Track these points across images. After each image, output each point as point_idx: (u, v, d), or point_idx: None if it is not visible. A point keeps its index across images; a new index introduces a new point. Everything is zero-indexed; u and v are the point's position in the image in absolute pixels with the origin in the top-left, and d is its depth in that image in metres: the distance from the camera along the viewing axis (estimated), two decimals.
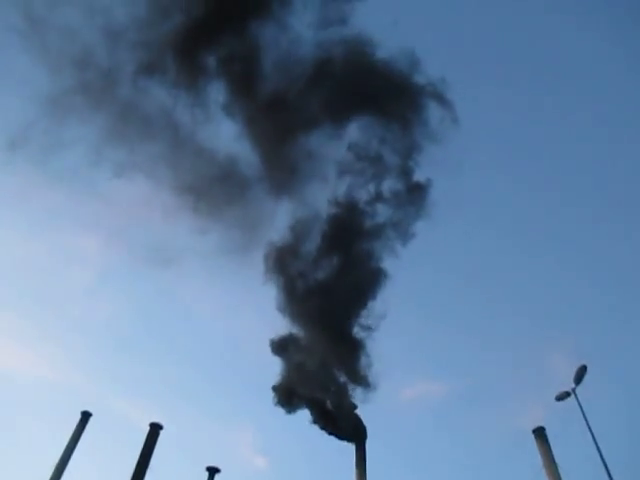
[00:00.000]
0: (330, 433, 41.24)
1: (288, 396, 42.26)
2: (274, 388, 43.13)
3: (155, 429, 36.12)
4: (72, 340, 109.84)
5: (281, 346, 44.42)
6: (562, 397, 30.60)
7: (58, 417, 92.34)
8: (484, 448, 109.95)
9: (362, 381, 42.14)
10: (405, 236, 45.20)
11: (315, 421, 41.77)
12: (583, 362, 29.06)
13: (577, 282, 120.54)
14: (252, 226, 46.97)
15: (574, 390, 29.49)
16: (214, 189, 45.51)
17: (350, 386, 42.05)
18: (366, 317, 42.97)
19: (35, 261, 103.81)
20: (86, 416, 37.64)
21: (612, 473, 18.11)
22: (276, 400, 42.88)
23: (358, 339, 43.06)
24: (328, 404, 41.99)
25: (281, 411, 43.59)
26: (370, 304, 42.96)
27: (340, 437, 40.92)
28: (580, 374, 29.57)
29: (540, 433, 36.64)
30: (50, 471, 33.90)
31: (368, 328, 43.10)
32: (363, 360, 42.68)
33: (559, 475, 33.69)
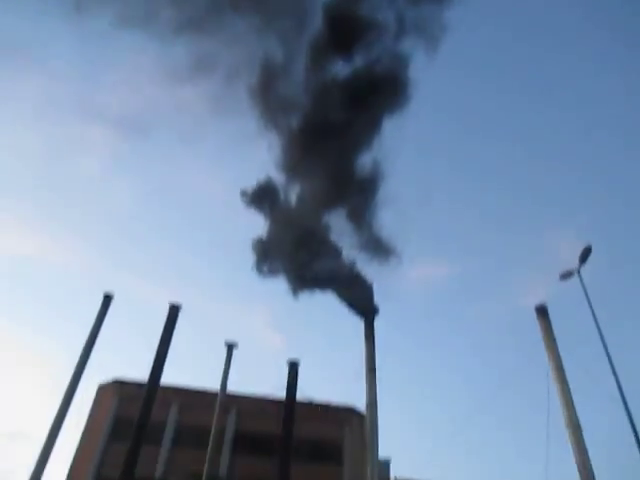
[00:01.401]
0: (344, 301, 42.16)
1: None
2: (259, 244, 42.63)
3: (174, 310, 37.72)
4: (88, 227, 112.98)
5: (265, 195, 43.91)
6: (566, 276, 31.19)
7: (80, 302, 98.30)
8: (486, 327, 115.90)
9: (376, 244, 42.59)
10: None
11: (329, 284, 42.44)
12: (589, 242, 29.19)
13: (584, 161, 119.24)
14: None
15: (578, 270, 29.90)
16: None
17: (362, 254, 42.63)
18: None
19: (45, 150, 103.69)
20: (108, 299, 39.51)
21: (611, 353, 19.01)
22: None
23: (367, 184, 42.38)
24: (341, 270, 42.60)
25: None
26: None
27: (352, 307, 42.02)
28: (585, 254, 29.86)
29: (542, 311, 38.04)
30: (78, 353, 36.32)
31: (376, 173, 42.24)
32: (374, 220, 43.00)
33: (558, 352, 35.49)
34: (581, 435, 31.84)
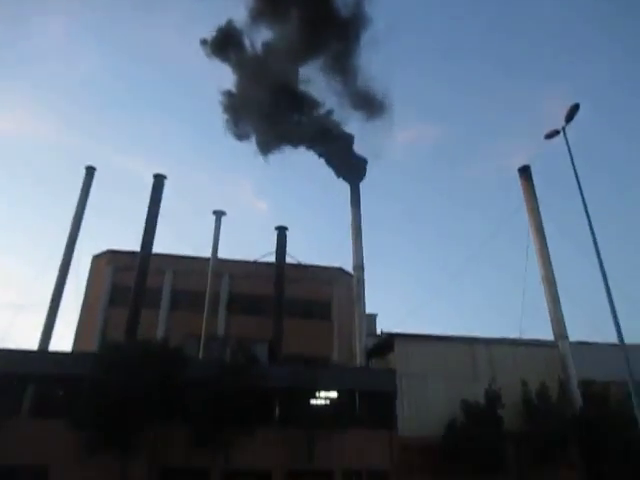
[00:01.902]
0: (325, 158, 41.96)
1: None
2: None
3: (159, 180, 37.45)
4: (61, 99, 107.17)
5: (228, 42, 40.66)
6: (551, 135, 30.65)
7: (64, 177, 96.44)
8: (471, 188, 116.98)
9: (362, 99, 41.09)
10: None
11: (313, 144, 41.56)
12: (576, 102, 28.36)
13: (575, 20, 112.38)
14: None
15: (564, 129, 29.46)
16: None
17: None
18: None
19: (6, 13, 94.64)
20: (91, 171, 39.01)
21: (590, 214, 19.47)
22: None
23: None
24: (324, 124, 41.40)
25: (280, 157, 43.71)
26: None
27: (334, 166, 41.78)
28: (572, 112, 29.18)
29: (525, 171, 38.37)
30: (68, 226, 36.62)
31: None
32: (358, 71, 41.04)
33: (539, 212, 36.45)
34: (556, 291, 33.95)
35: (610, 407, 28.06)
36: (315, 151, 42.14)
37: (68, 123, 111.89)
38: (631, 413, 16.75)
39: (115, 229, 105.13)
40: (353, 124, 42.62)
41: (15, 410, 25.15)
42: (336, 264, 43.16)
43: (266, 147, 42.36)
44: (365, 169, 41.74)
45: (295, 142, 41.61)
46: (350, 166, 41.69)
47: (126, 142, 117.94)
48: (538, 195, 37.03)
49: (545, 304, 33.70)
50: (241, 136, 43.28)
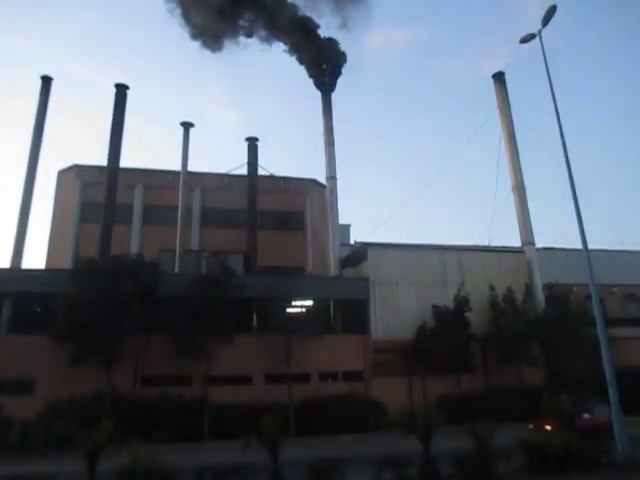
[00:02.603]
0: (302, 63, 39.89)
1: None
2: None
3: (122, 90, 35.78)
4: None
5: None
6: (527, 39, 29.74)
7: (17, 86, 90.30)
8: (446, 94, 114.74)
9: None
10: None
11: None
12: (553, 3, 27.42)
13: None
14: None
15: (540, 32, 28.66)
16: None
17: None
18: None
19: None
20: (47, 80, 36.90)
21: (562, 120, 19.44)
22: None
23: None
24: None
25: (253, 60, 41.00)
26: None
27: (309, 72, 40.07)
28: (548, 15, 28.29)
29: (499, 78, 37.77)
30: (29, 140, 35.14)
31: None
32: None
33: (511, 119, 36.31)
34: (525, 198, 34.64)
35: (571, 308, 29.72)
36: (282, 42, 39.91)
37: (17, 27, 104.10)
38: (590, 313, 17.73)
39: (78, 142, 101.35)
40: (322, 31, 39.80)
41: None
42: (309, 176, 42.94)
43: (218, 38, 39.66)
44: (339, 68, 40.03)
45: (257, 31, 39.37)
46: (321, 63, 39.84)
47: (80, 48, 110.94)
48: (511, 103, 36.81)
49: (514, 212, 34.53)
50: (194, 33, 40.11)
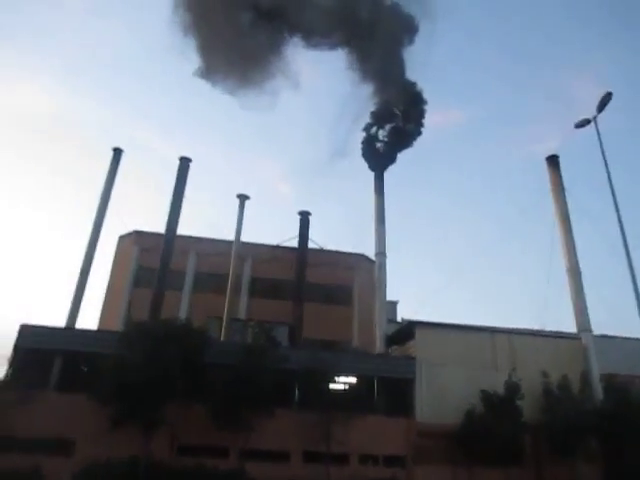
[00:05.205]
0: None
1: None
2: None
3: (185, 163, 37.93)
4: (97, 83, 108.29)
5: None
6: (582, 124, 29.88)
7: (90, 154, 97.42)
8: (498, 173, 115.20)
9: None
10: None
11: None
12: (609, 90, 27.47)
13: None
14: None
15: (595, 118, 28.66)
16: None
17: None
18: None
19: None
20: (118, 153, 39.47)
21: (619, 206, 18.98)
22: None
23: None
24: None
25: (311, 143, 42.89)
26: None
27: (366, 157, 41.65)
28: (604, 101, 28.30)
29: (553, 161, 37.73)
30: (96, 204, 37.26)
31: None
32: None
33: (565, 202, 35.83)
34: (580, 282, 33.41)
35: (632, 401, 27.77)
36: None
37: (95, 101, 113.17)
38: None
39: (141, 209, 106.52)
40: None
41: (43, 384, 25.92)
42: (359, 250, 43.19)
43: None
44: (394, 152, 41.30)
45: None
46: (375, 153, 41.34)
47: (151, 122, 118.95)
48: (565, 184, 36.48)
49: (569, 295, 33.31)
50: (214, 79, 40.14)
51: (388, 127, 42.09)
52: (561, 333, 33.23)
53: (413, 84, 41.92)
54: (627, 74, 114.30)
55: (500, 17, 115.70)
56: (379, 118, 42.13)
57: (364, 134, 41.87)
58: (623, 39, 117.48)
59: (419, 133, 41.64)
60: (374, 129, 42.12)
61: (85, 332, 29.64)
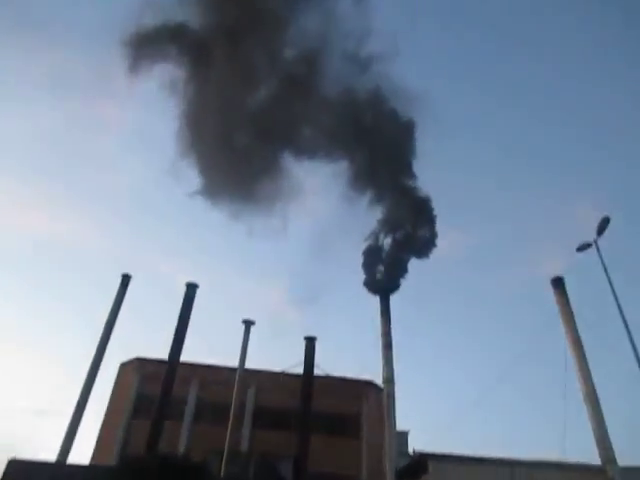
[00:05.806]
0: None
1: None
2: None
3: (191, 289, 38.14)
4: (105, 208, 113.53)
5: None
6: (583, 248, 30.55)
7: (99, 280, 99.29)
8: (503, 298, 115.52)
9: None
10: None
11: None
12: (607, 214, 28.52)
13: (606, 131, 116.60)
14: None
15: (596, 241, 29.37)
16: None
17: None
18: None
19: (57, 130, 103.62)
20: (126, 279, 39.96)
21: (630, 326, 18.86)
22: None
23: None
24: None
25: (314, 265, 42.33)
26: None
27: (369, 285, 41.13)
28: (602, 225, 29.20)
29: (559, 283, 37.71)
30: (99, 332, 36.96)
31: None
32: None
33: (575, 325, 35.21)
34: (600, 410, 31.63)
35: None
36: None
37: (99, 226, 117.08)
38: None
39: (144, 334, 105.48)
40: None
41: None
42: (366, 375, 41.96)
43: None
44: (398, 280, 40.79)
45: None
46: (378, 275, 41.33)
47: (161, 247, 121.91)
48: (574, 305, 36.07)
49: (588, 424, 31.50)
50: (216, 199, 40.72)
51: (397, 234, 40.11)
52: (584, 465, 30.98)
53: (414, 188, 41.03)
54: (626, 195, 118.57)
55: (501, 149, 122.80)
56: (385, 225, 40.68)
57: (368, 243, 40.84)
58: (621, 162, 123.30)
59: (434, 244, 39.67)
60: (381, 236, 40.65)
61: (76, 467, 27.94)
